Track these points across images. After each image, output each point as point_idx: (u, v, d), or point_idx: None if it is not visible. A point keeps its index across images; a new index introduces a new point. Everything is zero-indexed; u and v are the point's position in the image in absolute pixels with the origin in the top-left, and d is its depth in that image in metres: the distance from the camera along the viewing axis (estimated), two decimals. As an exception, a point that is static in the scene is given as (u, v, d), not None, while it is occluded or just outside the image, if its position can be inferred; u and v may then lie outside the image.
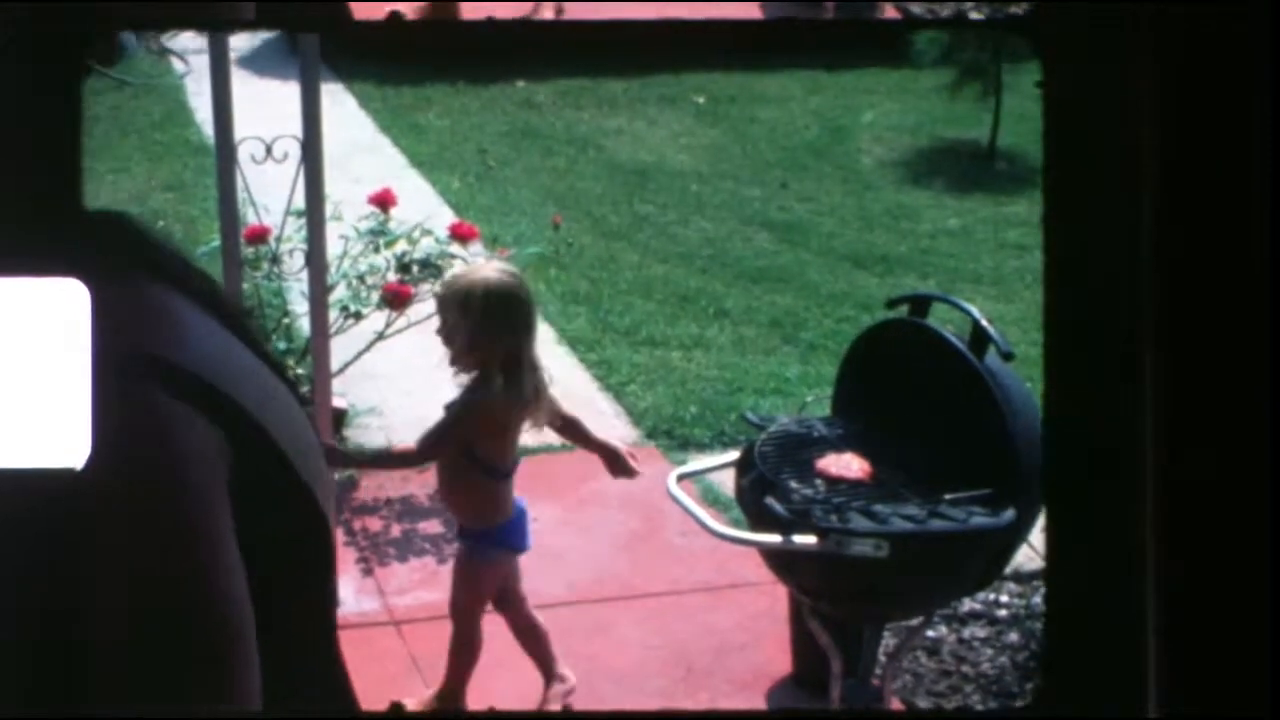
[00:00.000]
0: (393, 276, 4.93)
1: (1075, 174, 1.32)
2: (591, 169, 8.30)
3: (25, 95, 1.37)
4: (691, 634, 4.45)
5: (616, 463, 3.91)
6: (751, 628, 4.41)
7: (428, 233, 4.97)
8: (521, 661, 4.19)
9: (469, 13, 8.91)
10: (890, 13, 9.64)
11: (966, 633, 4.29)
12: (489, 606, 3.99)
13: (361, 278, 5.04)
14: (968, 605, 4.32)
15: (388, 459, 4.42)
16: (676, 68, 9.65)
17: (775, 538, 3.08)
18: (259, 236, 4.84)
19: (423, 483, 5.16)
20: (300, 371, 4.77)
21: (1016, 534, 3.22)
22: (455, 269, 4.99)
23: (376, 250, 5.05)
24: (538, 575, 4.68)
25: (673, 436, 5.55)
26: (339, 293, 4.99)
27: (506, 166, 8.24)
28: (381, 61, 9.36)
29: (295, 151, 4.22)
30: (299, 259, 4.53)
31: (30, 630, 1.31)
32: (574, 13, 8.94)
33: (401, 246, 5.03)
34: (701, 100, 9.42)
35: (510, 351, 3.65)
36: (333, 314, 4.84)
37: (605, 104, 9.29)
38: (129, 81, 8.80)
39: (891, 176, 8.51)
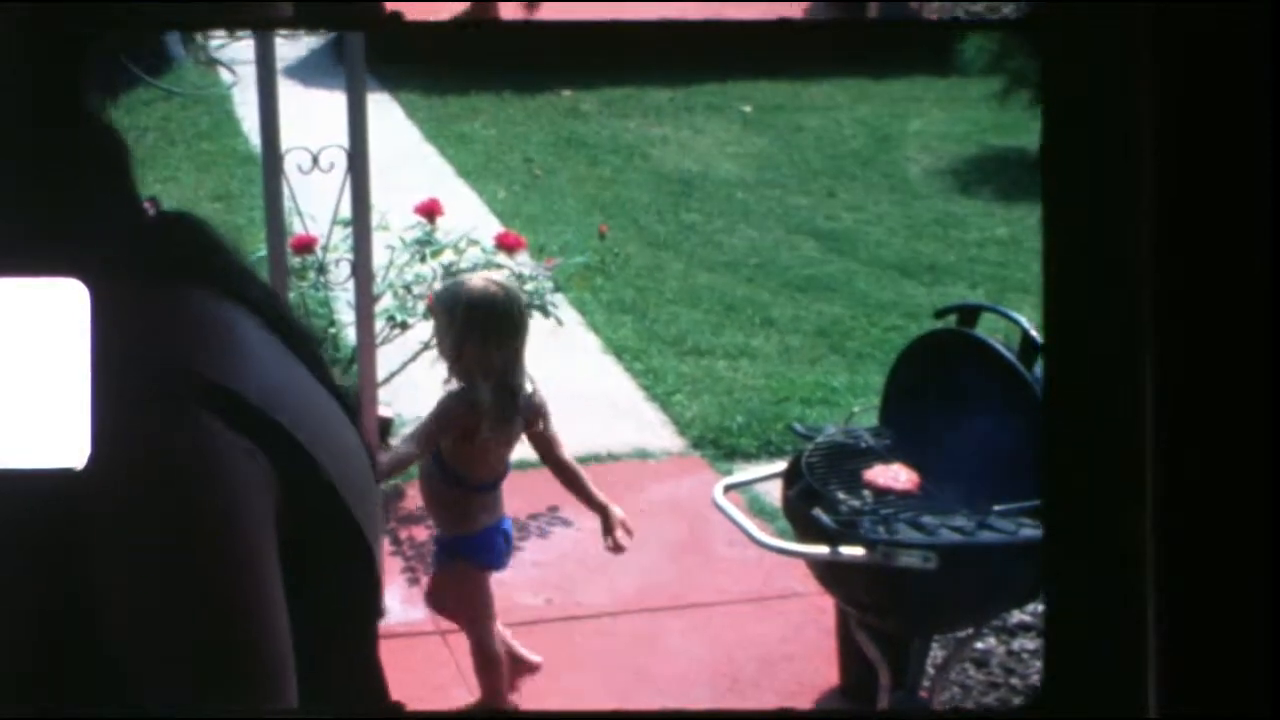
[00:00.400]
0: (439, 286, 4.92)
1: (1075, 174, 1.32)
2: (637, 178, 8.29)
3: (69, 95, 1.36)
4: (738, 645, 4.43)
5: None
6: (798, 639, 4.39)
7: (474, 242, 4.97)
8: (571, 674, 4.19)
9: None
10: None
11: (1016, 645, 4.26)
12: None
13: (408, 287, 5.04)
14: (1017, 617, 4.28)
15: (397, 463, 4.37)
16: (722, 76, 9.64)
17: (822, 549, 3.06)
18: (306, 246, 4.85)
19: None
20: (346, 381, 4.77)
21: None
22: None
23: (423, 260, 5.05)
24: (584, 586, 4.68)
25: (719, 446, 5.53)
26: (385, 302, 5.00)
27: (552, 175, 8.24)
28: (427, 71, 9.38)
29: (342, 161, 4.23)
30: (345, 269, 4.54)
31: (69, 658, 1.30)
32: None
33: (448, 256, 5.03)
34: (748, 108, 9.41)
35: (493, 363, 3.64)
36: (379, 324, 4.85)
37: (651, 112, 9.28)
38: (177, 92, 8.84)
39: (939, 185, 8.48)
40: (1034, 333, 3.19)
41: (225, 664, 1.24)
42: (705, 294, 6.89)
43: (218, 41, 9.95)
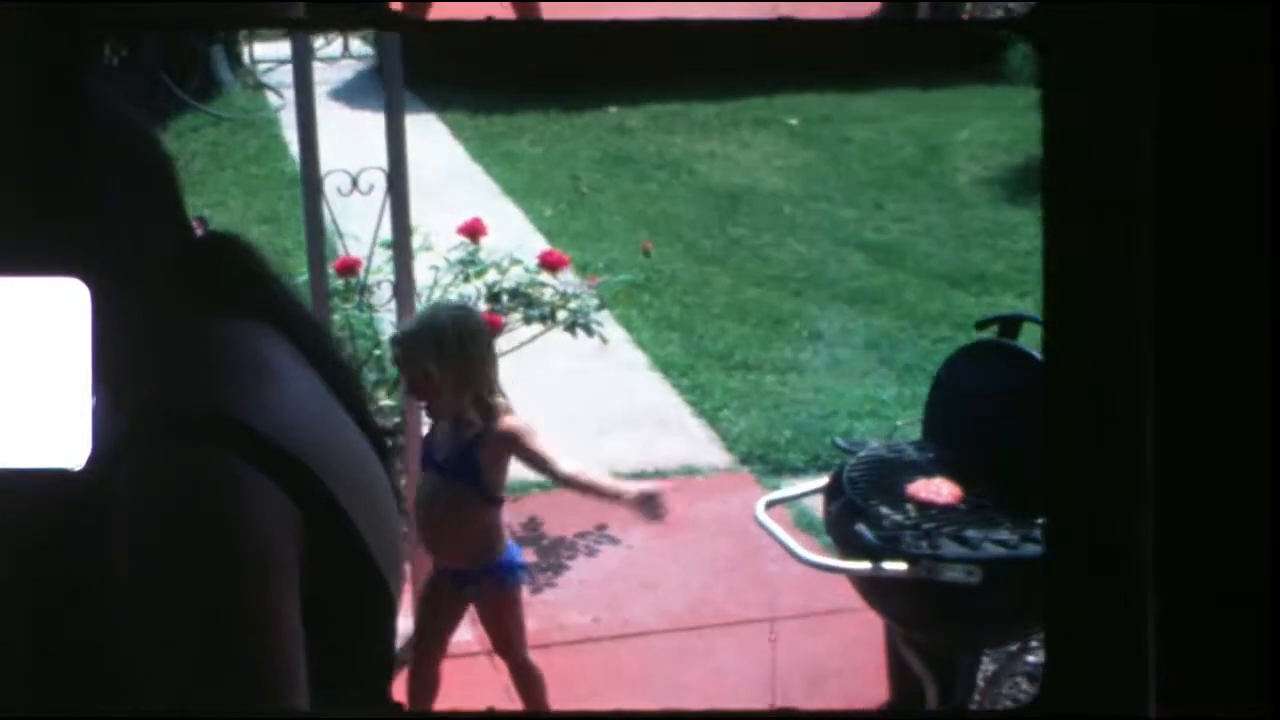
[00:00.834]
0: (483, 306, 4.92)
1: (1075, 174, 1.32)
2: (684, 193, 8.28)
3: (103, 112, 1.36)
4: (786, 661, 4.39)
5: (642, 509, 3.74)
6: (847, 654, 4.36)
7: (516, 262, 4.96)
8: (617, 692, 4.18)
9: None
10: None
11: (1067, 658, 4.21)
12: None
13: (452, 307, 5.04)
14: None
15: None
16: (769, 90, 9.62)
17: (864, 565, 3.03)
18: (349, 269, 4.85)
19: (515, 511, 5.15)
20: (390, 402, 4.78)
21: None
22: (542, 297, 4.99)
23: (466, 280, 5.05)
24: (631, 604, 4.66)
25: (766, 462, 5.51)
26: (430, 323, 4.99)
27: (599, 193, 8.23)
28: (473, 90, 9.40)
29: (382, 183, 4.23)
30: (388, 290, 4.54)
31: (84, 687, 1.30)
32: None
33: (492, 276, 5.02)
34: (794, 122, 9.38)
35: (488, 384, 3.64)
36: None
37: (698, 128, 9.27)
38: (225, 116, 8.91)
39: (988, 194, 8.42)
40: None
41: (233, 681, 1.25)
42: (753, 308, 6.87)
43: (265, 66, 10.03)
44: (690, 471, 5.47)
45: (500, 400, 3.69)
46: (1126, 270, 1.29)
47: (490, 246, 5.11)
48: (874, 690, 4.15)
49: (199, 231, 1.51)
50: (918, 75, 9.79)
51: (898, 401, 5.88)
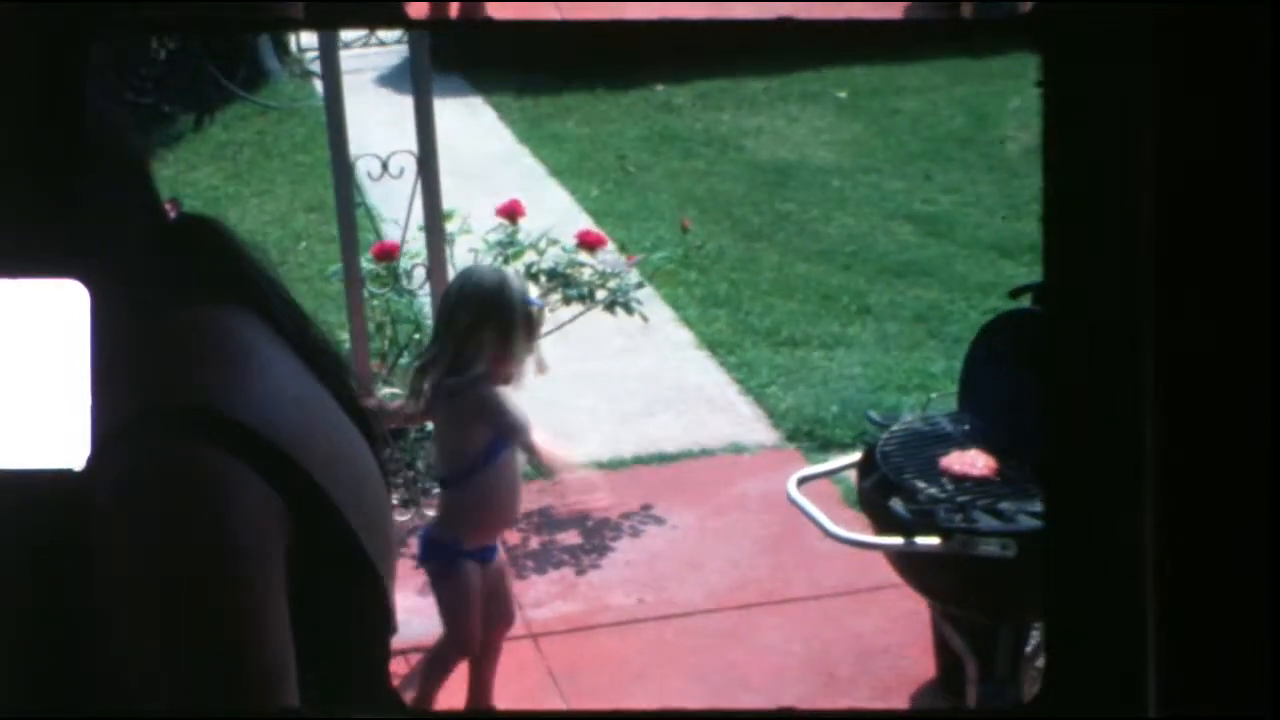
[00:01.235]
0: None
1: (1075, 174, 1.32)
2: (732, 169, 8.22)
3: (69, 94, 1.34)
4: (833, 639, 4.36)
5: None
6: (895, 631, 4.31)
7: (554, 242, 4.93)
8: (662, 673, 4.16)
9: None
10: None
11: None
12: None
13: (492, 289, 5.02)
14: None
15: None
16: (817, 63, 9.54)
17: (897, 540, 2.99)
18: (387, 254, 4.84)
19: (560, 493, 5.13)
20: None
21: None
22: (584, 274, 4.97)
23: (506, 261, 5.03)
24: (676, 584, 4.63)
25: (813, 438, 5.46)
26: (469, 305, 4.98)
27: (646, 171, 8.19)
28: (520, 72, 9.38)
29: (414, 167, 4.22)
30: (423, 274, 4.54)
31: (67, 680, 1.29)
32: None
33: (530, 257, 5.00)
34: (843, 94, 9.30)
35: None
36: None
37: (745, 103, 9.20)
38: (273, 105, 8.91)
39: (1039, 163, 8.31)
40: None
41: (221, 679, 1.23)
42: (800, 284, 6.81)
43: (313, 54, 10.02)
44: (737, 449, 5.43)
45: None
46: (1127, 270, 1.29)
47: (535, 228, 5.08)
48: (921, 667, 4.10)
49: (172, 214, 1.48)
50: (968, 43, 9.67)
51: (947, 374, 5.80)
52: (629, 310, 4.90)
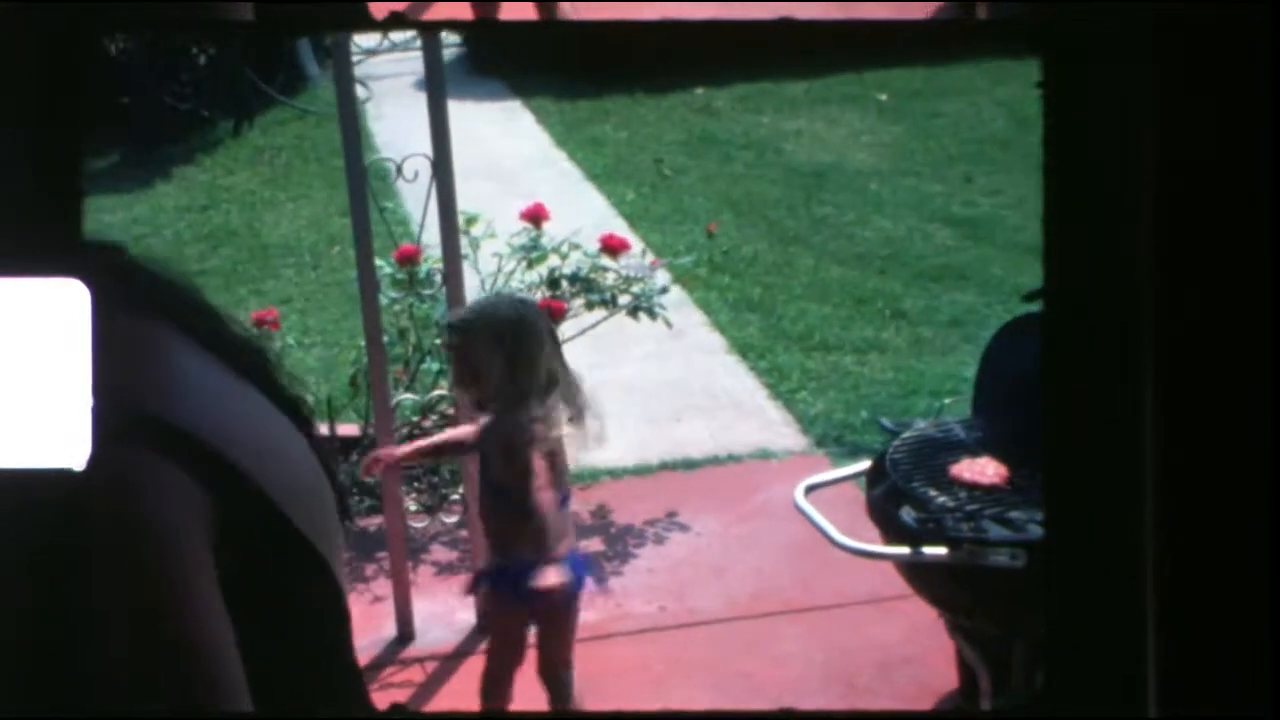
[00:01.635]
0: (541, 292, 4.86)
1: (1075, 174, 1.32)
2: (769, 173, 8.16)
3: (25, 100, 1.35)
4: (855, 648, 4.31)
5: None
6: (917, 640, 4.24)
7: (576, 247, 4.89)
8: (682, 682, 4.12)
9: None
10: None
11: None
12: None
13: (514, 295, 4.99)
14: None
15: None
16: (858, 66, 9.46)
17: (904, 550, 2.93)
18: (409, 258, 4.81)
19: (584, 500, 5.09)
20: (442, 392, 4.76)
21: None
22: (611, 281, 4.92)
23: (530, 266, 4.99)
24: (698, 592, 4.59)
25: (842, 444, 5.40)
26: (491, 311, 4.94)
27: (683, 175, 8.14)
28: (560, 76, 9.35)
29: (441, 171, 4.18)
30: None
31: (19, 669, 1.29)
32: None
33: (553, 261, 4.96)
34: (884, 97, 9.22)
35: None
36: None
37: (785, 106, 9.14)
38: (311, 110, 8.92)
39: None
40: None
41: (153, 678, 1.22)
42: (835, 288, 6.75)
43: (354, 57, 10.04)
44: (765, 455, 5.38)
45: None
46: (1127, 269, 1.29)
47: (567, 232, 5.03)
48: (943, 678, 4.04)
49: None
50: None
51: (979, 379, 5.74)
52: (652, 315, 4.86)
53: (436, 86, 3.99)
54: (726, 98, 9.29)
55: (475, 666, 4.10)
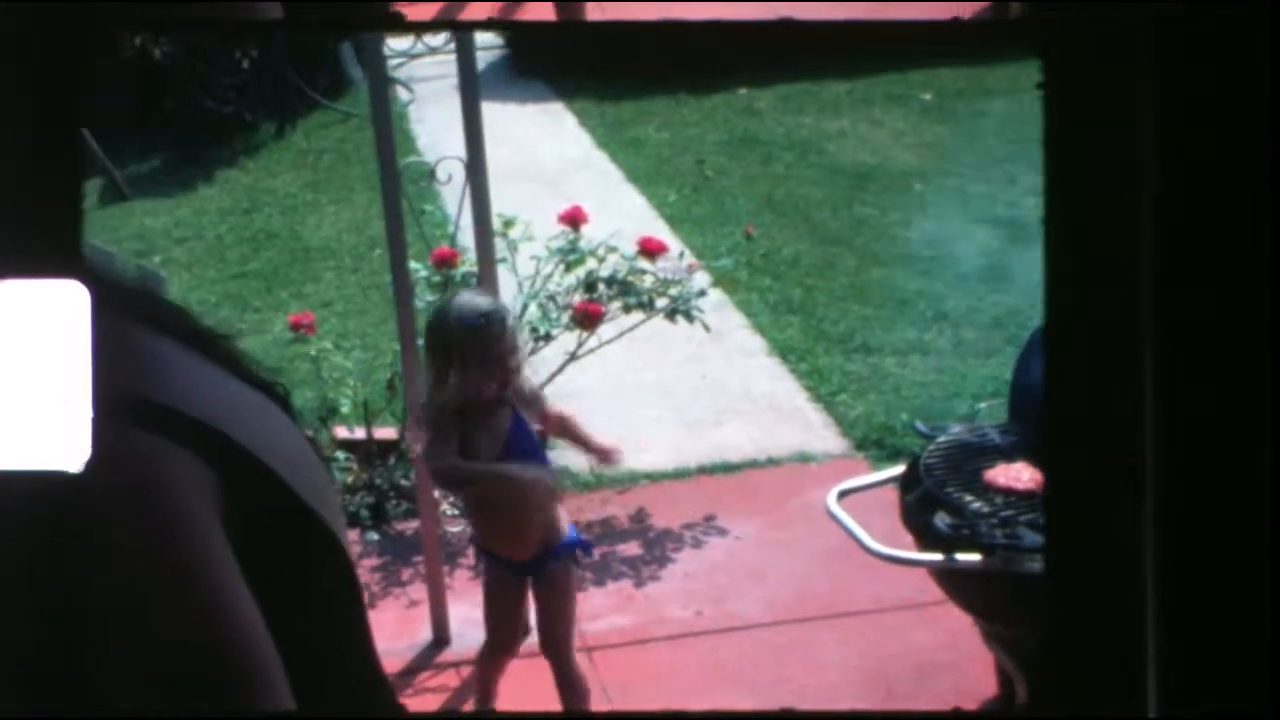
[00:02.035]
0: (579, 296, 4.84)
1: (1075, 174, 1.30)
2: (811, 174, 8.12)
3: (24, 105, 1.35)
4: (894, 654, 4.26)
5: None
6: (957, 646, 4.19)
7: (612, 249, 4.87)
8: (718, 688, 4.08)
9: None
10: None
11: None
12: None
13: (553, 298, 4.97)
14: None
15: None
16: (903, 65, 9.41)
17: (936, 556, 2.89)
18: (446, 261, 4.80)
19: (623, 504, 5.07)
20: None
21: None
22: (646, 283, 4.90)
23: (568, 269, 4.97)
24: (736, 596, 4.55)
25: (883, 447, 5.35)
26: (529, 314, 4.93)
27: (725, 176, 8.11)
28: (602, 77, 9.34)
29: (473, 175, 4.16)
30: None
31: (32, 670, 1.28)
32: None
33: (591, 264, 4.94)
34: (928, 97, 9.17)
35: None
36: (522, 334, 4.79)
37: (828, 106, 9.10)
38: (354, 113, 8.92)
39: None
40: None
41: (194, 667, 1.21)
42: (877, 289, 6.70)
43: (396, 61, 10.04)
44: (804, 459, 5.34)
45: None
46: (1127, 270, 1.28)
47: (606, 234, 5.00)
48: (983, 685, 3.99)
49: None
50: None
51: (1022, 382, 5.68)
52: (689, 318, 4.83)
53: (470, 88, 3.97)
54: (769, 98, 9.26)
55: (512, 670, 4.10)
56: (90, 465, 1.22)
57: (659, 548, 4.81)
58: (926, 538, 2.99)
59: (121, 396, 1.26)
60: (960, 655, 4.15)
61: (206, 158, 8.60)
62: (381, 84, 4.05)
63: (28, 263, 1.27)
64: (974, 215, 7.52)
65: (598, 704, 4.09)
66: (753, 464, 5.31)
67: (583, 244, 4.96)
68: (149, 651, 1.20)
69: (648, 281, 4.89)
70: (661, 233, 6.53)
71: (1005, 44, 8.24)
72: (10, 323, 1.25)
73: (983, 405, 3.70)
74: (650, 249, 4.88)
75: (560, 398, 5.36)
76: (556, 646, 3.84)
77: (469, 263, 4.73)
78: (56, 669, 1.25)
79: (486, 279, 4.15)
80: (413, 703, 4.16)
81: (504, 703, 3.99)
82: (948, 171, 8.11)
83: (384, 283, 6.60)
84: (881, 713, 3.56)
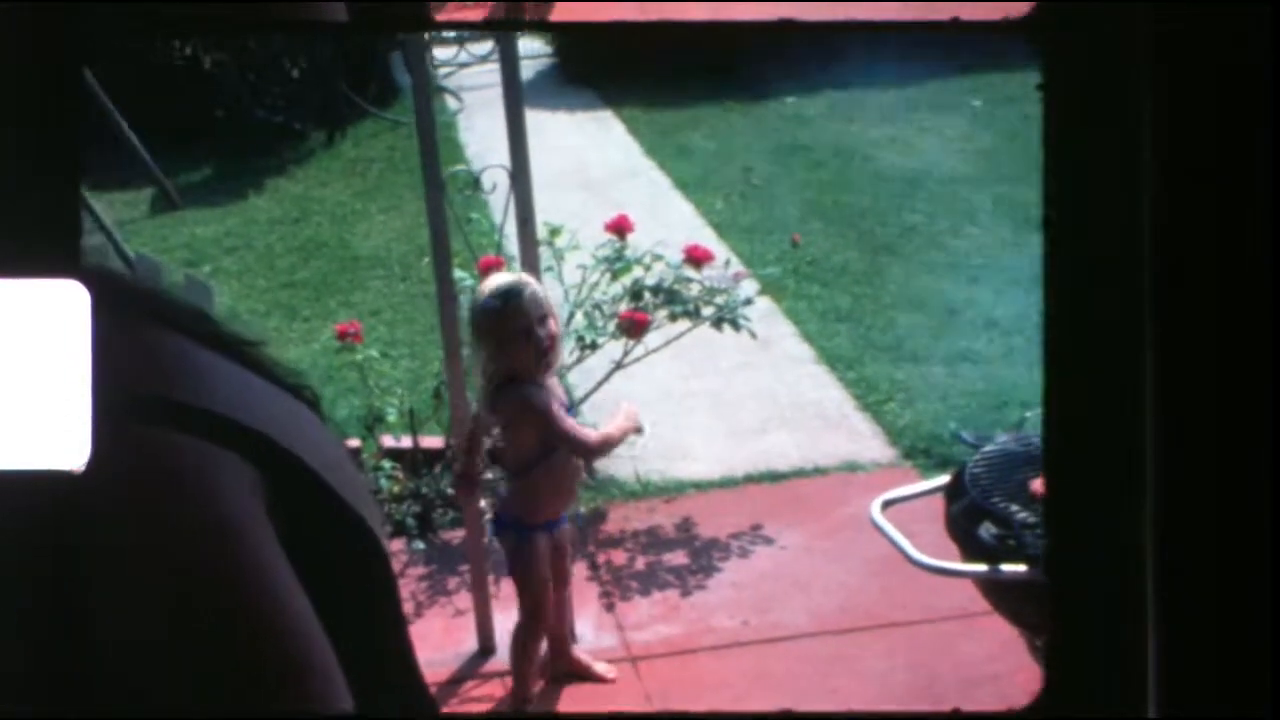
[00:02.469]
0: (625, 304, 4.83)
1: (1076, 174, 1.32)
2: (859, 181, 8.09)
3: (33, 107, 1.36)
4: (940, 665, 4.23)
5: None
6: (1004, 657, 4.16)
7: (658, 258, 4.85)
8: (763, 698, 4.07)
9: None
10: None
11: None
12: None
13: (599, 306, 4.96)
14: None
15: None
16: (951, 71, 9.37)
17: (981, 567, 2.87)
18: (491, 269, 4.80)
19: (669, 513, 5.06)
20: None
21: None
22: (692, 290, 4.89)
23: (615, 277, 4.97)
24: (782, 606, 4.53)
25: (930, 455, 5.32)
26: (575, 322, 4.93)
27: (773, 184, 8.10)
28: (651, 85, 9.34)
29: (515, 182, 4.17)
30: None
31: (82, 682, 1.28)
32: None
33: (638, 272, 4.93)
34: (977, 103, 9.13)
35: None
36: (569, 344, 4.79)
37: (876, 113, 9.07)
38: (403, 121, 8.96)
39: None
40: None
41: (257, 668, 1.20)
42: (925, 297, 6.67)
43: (446, 70, 10.08)
44: (852, 468, 5.31)
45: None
46: (1128, 270, 1.28)
47: (654, 242, 4.99)
48: (1030, 697, 3.96)
49: None
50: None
51: (1073, 389, 5.64)
52: (735, 326, 4.81)
53: (514, 96, 3.97)
54: (818, 105, 9.24)
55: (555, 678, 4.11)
56: (137, 474, 1.24)
57: (705, 557, 4.79)
58: (971, 548, 2.97)
59: (162, 403, 1.27)
60: (1008, 666, 4.11)
61: (256, 167, 8.64)
62: (424, 91, 4.05)
63: (32, 262, 1.28)
64: (1023, 222, 7.47)
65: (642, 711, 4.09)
66: (800, 473, 5.29)
67: (629, 252, 4.95)
68: (211, 658, 1.21)
69: (694, 290, 4.87)
70: (709, 241, 6.53)
71: (1004, 43, 8.22)
72: (20, 323, 1.27)
73: (1029, 414, 3.66)
74: (696, 257, 4.87)
75: (607, 406, 5.37)
76: (565, 590, 4.11)
77: (515, 271, 4.73)
78: (115, 681, 1.26)
79: (530, 285, 4.15)
80: (459, 712, 4.17)
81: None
82: (997, 177, 8.07)
83: (432, 291, 6.61)
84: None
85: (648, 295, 4.82)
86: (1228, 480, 1.25)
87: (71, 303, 1.29)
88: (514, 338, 3.75)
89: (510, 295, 3.76)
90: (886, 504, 3.25)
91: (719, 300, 4.86)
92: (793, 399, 5.82)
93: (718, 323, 4.87)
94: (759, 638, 4.39)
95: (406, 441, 5.18)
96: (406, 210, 7.98)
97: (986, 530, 2.91)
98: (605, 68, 9.81)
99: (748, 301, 4.90)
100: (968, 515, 3.04)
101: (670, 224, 6.90)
